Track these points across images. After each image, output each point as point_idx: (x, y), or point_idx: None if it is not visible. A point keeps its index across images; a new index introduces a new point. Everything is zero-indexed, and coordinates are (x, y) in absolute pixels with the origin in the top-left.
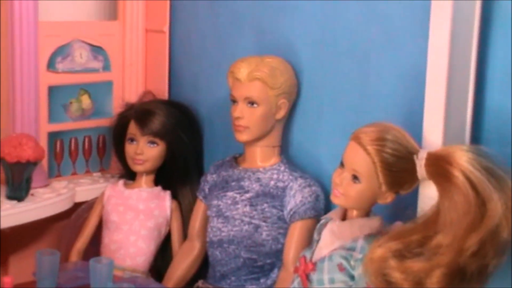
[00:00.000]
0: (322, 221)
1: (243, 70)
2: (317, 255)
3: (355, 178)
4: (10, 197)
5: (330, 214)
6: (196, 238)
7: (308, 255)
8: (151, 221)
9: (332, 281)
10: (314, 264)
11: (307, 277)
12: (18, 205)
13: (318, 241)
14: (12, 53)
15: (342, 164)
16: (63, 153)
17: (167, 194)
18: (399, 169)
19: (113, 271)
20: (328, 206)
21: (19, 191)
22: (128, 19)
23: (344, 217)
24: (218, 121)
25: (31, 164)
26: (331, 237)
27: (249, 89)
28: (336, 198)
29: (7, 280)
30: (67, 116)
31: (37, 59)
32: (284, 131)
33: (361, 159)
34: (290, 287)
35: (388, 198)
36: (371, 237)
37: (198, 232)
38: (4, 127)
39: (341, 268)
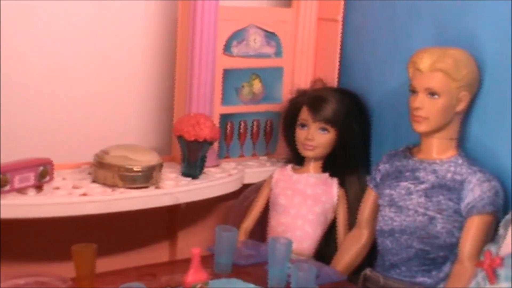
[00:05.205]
0: (507, 216)
1: (425, 61)
2: (504, 250)
3: None
4: (185, 174)
5: None
6: (364, 226)
7: (494, 249)
8: (318, 207)
9: None
10: (502, 259)
11: (493, 272)
12: (193, 182)
13: (505, 236)
14: (193, 36)
15: None
16: (232, 135)
17: (335, 181)
18: None
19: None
20: (506, 203)
21: (194, 169)
22: (302, 7)
23: None
24: (388, 111)
25: (207, 143)
26: None
27: (430, 80)
28: None
29: (196, 250)
30: (239, 99)
31: (215, 42)
32: (462, 124)
33: None
34: (471, 281)
35: None
36: None
37: (367, 220)
38: (180, 107)
39: None
